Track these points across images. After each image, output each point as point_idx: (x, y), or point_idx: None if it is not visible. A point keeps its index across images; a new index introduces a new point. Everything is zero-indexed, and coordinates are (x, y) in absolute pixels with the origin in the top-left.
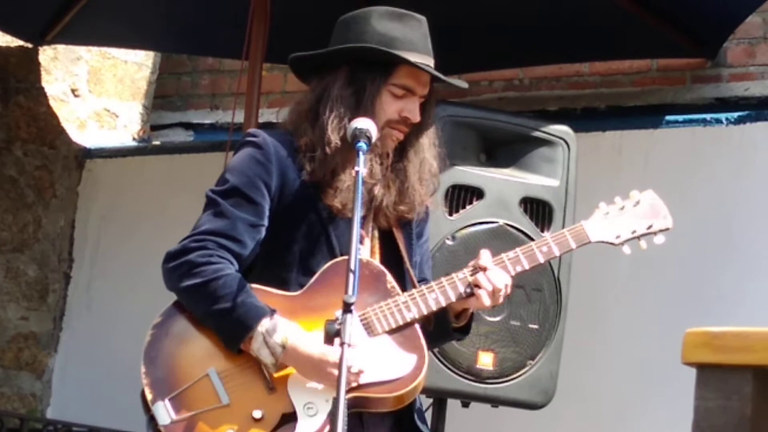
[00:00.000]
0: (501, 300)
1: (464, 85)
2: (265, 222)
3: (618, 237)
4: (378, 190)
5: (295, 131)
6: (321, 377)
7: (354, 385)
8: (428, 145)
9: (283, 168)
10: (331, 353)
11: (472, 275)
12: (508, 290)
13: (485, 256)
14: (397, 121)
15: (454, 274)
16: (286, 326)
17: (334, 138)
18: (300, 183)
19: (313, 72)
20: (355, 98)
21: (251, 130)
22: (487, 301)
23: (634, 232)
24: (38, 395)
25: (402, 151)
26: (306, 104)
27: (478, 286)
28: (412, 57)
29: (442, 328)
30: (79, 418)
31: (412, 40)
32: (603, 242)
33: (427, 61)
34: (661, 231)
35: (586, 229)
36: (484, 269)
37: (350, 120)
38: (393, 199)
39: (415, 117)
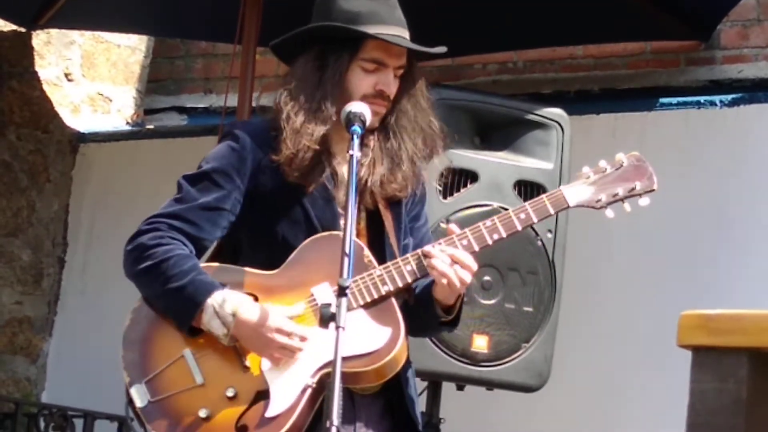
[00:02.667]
0: (467, 278)
1: (443, 49)
2: (229, 207)
3: (599, 201)
4: (363, 170)
5: (272, 116)
6: (263, 345)
7: (295, 344)
8: (419, 117)
9: (257, 155)
10: (273, 320)
11: (417, 262)
12: (471, 264)
13: (437, 247)
14: (374, 95)
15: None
16: (238, 297)
17: (300, 118)
18: (274, 166)
19: (294, 56)
20: (319, 76)
21: (229, 122)
22: (446, 291)
23: (615, 195)
24: (33, 379)
25: (391, 128)
26: (280, 88)
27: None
28: (377, 29)
29: (431, 321)
30: (73, 402)
31: (378, 13)
32: (582, 206)
33: (396, 31)
34: (646, 193)
35: (564, 193)
36: (428, 256)
37: (320, 99)
38: (379, 178)
39: (390, 89)
